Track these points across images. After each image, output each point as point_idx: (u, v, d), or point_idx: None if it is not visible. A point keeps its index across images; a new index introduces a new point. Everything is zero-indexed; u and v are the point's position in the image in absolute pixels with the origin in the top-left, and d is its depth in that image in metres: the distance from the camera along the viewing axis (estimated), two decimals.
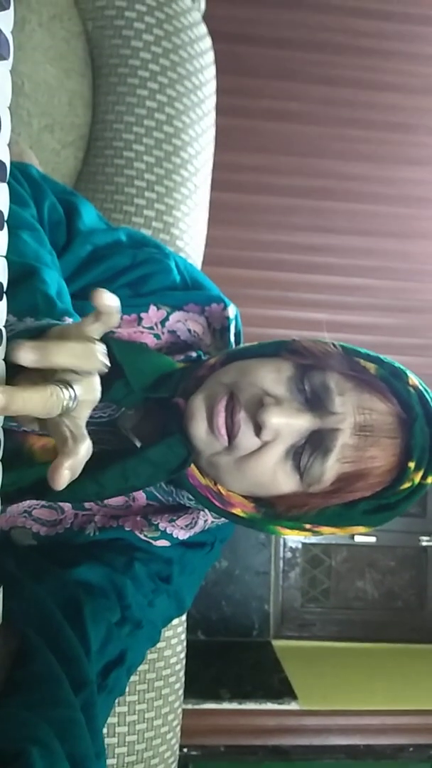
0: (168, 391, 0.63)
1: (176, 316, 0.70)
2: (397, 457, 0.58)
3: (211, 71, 1.11)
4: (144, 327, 0.69)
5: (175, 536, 0.65)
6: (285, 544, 2.47)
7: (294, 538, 2.45)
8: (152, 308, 0.69)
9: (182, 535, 0.66)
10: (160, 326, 0.70)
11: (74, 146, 1.05)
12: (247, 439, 0.57)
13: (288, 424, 0.56)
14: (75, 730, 0.43)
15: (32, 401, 0.36)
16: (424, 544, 2.50)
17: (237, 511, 0.63)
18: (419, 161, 2.00)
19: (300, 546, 2.49)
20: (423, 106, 1.97)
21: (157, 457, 0.59)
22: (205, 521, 0.68)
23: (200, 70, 1.08)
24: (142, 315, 0.69)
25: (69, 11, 1.03)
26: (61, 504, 0.64)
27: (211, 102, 1.12)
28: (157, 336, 0.69)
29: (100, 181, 1.04)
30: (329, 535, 0.65)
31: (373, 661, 2.37)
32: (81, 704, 0.46)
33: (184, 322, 0.71)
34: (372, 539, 2.48)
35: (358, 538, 2.46)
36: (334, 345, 0.61)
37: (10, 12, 0.35)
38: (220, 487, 0.62)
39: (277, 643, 2.40)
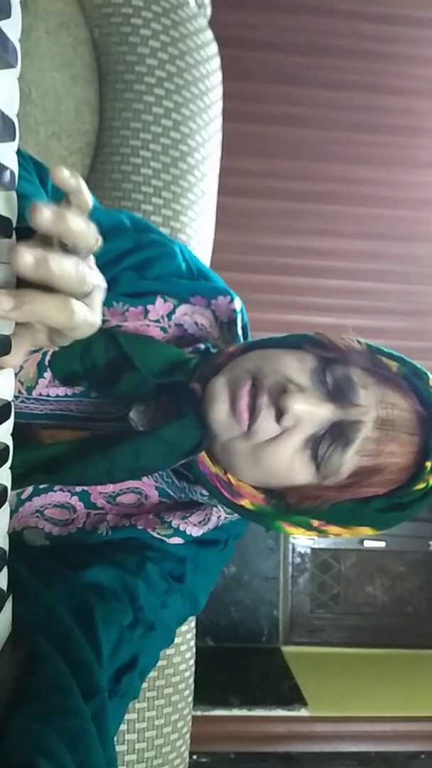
0: (183, 376, 0.63)
1: (183, 309, 0.70)
2: (414, 455, 0.58)
3: (217, 77, 1.11)
4: (150, 320, 0.68)
5: (188, 533, 0.65)
6: (294, 549, 2.46)
7: (303, 543, 2.44)
8: (159, 300, 0.69)
9: (195, 531, 0.66)
10: (166, 319, 0.69)
11: (81, 153, 1.06)
12: (266, 424, 0.57)
13: (310, 411, 0.56)
14: (85, 739, 0.43)
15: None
16: None
17: (245, 502, 0.62)
18: (425, 164, 2.00)
19: (309, 551, 2.47)
20: (428, 108, 1.97)
21: (171, 437, 0.59)
22: (218, 517, 0.68)
23: (206, 76, 1.08)
24: (149, 307, 0.69)
25: (75, 19, 1.03)
26: (73, 503, 0.64)
27: (217, 107, 1.12)
28: (163, 329, 0.69)
29: (107, 187, 1.05)
30: (334, 536, 0.64)
31: (384, 667, 2.35)
32: (92, 712, 0.45)
33: (191, 315, 0.71)
34: (381, 544, 2.46)
35: (367, 543, 2.45)
36: (358, 341, 0.62)
37: (17, 20, 0.35)
38: (230, 476, 0.62)
39: (286, 649, 2.38)
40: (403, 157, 1.99)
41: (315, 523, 0.62)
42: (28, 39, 0.95)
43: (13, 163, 0.37)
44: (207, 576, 0.70)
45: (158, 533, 0.64)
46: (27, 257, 0.35)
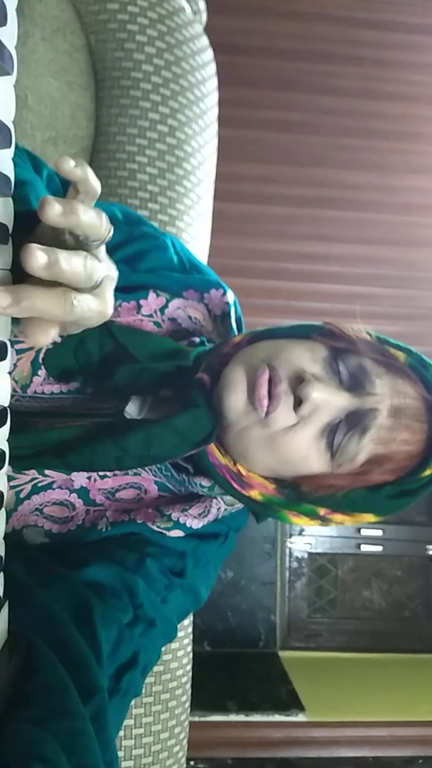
0: (183, 360, 0.63)
1: (176, 303, 0.70)
2: (423, 443, 0.60)
3: (212, 83, 1.12)
4: (143, 315, 0.68)
5: (188, 525, 0.65)
6: (291, 554, 2.46)
7: (300, 547, 2.44)
8: (151, 295, 0.69)
9: (195, 524, 0.65)
10: (159, 314, 0.69)
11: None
12: (284, 412, 0.58)
13: (328, 400, 0.57)
14: (83, 741, 0.42)
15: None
16: (431, 552, 2.49)
17: (254, 493, 0.63)
18: (420, 169, 2.01)
19: (306, 556, 2.47)
20: (423, 114, 1.98)
21: (183, 427, 0.59)
22: (218, 509, 0.68)
23: (202, 82, 1.08)
24: (141, 302, 0.68)
25: (71, 25, 1.04)
26: (72, 500, 0.64)
27: (213, 113, 1.12)
28: (157, 324, 0.69)
29: (103, 193, 1.04)
30: (337, 524, 0.65)
31: (382, 672, 2.35)
32: (91, 713, 0.45)
33: (184, 309, 0.71)
34: (378, 548, 2.47)
35: (364, 547, 2.45)
36: (367, 332, 0.64)
37: (13, 27, 0.36)
38: (239, 467, 0.62)
39: (283, 654, 2.38)
40: (398, 163, 1.99)
41: (322, 512, 0.63)
42: (24, 45, 0.95)
43: (9, 170, 0.37)
44: (208, 569, 0.69)
45: (158, 526, 0.63)
46: (39, 258, 0.35)
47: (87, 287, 0.39)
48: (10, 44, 0.35)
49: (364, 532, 2.45)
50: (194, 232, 1.09)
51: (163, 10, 1.04)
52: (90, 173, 0.39)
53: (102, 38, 1.05)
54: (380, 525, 2.47)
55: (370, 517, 0.64)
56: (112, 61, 1.05)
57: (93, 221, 0.38)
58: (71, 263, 0.36)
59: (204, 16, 1.14)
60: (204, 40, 1.10)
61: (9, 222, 0.38)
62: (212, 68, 1.12)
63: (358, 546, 2.46)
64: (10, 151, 0.37)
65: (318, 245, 2.01)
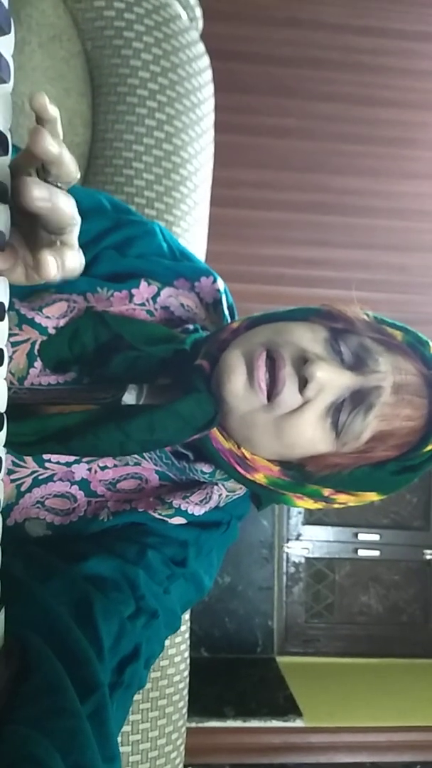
0: (179, 345, 0.63)
1: (167, 291, 0.71)
2: (425, 418, 0.60)
3: (209, 89, 1.12)
4: (136, 304, 0.69)
5: (189, 512, 0.65)
6: (288, 558, 2.46)
7: (297, 552, 2.44)
8: (143, 284, 0.69)
9: (197, 510, 0.65)
10: (151, 302, 0.70)
11: None
12: (290, 395, 0.58)
13: (332, 379, 0.57)
14: (80, 739, 0.42)
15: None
16: (428, 557, 2.49)
17: (259, 476, 0.63)
18: (417, 175, 2.01)
19: (303, 560, 2.47)
20: (419, 120, 1.98)
21: (185, 411, 0.59)
22: (220, 496, 0.68)
23: (198, 89, 1.09)
24: (134, 291, 0.69)
25: (68, 32, 1.04)
26: (73, 492, 0.64)
27: (209, 119, 1.13)
28: (150, 312, 0.69)
29: None
30: (340, 505, 0.65)
31: (379, 677, 2.34)
32: (91, 709, 0.45)
33: (176, 298, 0.71)
34: (375, 553, 2.47)
35: (361, 552, 2.45)
36: (364, 312, 0.64)
37: (10, 36, 0.36)
38: (243, 451, 0.62)
39: (281, 660, 2.38)
40: (395, 168, 2.00)
41: (326, 492, 0.63)
42: (21, 52, 0.96)
43: (6, 178, 0.38)
44: (210, 558, 0.69)
45: (159, 514, 0.63)
46: (36, 192, 0.37)
47: (67, 228, 0.43)
48: (7, 53, 0.36)
49: (362, 536, 2.45)
50: (191, 238, 1.09)
51: (160, 17, 1.04)
52: (59, 118, 0.42)
53: (98, 45, 1.05)
54: (377, 529, 2.47)
55: (374, 496, 0.64)
56: (108, 68, 1.05)
57: (68, 161, 0.41)
58: (59, 200, 0.40)
59: (200, 23, 1.15)
60: (200, 47, 1.11)
61: (6, 230, 0.38)
62: (209, 75, 1.12)
63: (356, 551, 2.46)
64: (7, 159, 0.37)
65: (315, 250, 2.01)
